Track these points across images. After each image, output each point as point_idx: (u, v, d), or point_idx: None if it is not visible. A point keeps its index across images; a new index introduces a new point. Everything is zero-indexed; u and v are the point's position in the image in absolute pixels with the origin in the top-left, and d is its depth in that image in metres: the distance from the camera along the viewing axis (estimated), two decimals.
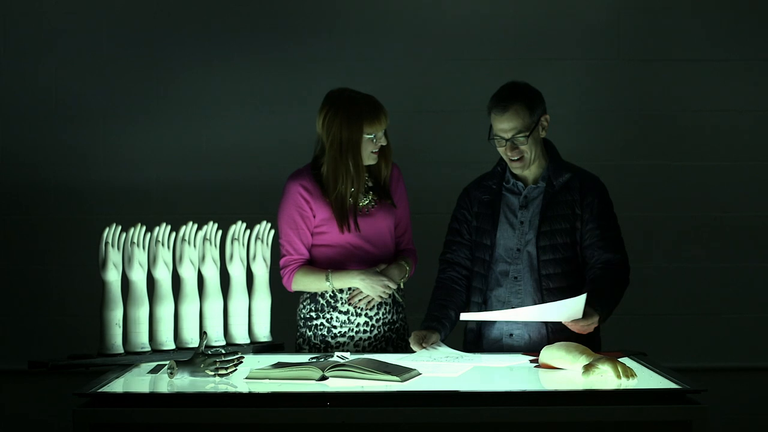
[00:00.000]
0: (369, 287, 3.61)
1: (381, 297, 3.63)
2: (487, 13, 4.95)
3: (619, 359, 3.13)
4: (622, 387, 2.93)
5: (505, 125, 3.52)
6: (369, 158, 3.63)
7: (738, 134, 4.98)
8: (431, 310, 3.63)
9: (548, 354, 3.21)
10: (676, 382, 2.95)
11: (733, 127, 4.97)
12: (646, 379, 3.06)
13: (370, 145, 3.60)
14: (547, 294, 3.53)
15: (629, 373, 2.98)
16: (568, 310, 3.32)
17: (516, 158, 3.54)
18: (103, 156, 4.94)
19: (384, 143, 3.63)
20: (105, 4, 4.94)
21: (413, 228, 3.85)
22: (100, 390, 2.90)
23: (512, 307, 3.54)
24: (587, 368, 3.03)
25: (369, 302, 3.67)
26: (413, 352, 3.48)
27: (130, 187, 4.91)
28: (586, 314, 3.35)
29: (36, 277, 4.93)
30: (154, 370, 3.21)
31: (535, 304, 3.53)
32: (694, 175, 4.96)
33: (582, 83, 4.96)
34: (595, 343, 3.55)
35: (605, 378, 2.99)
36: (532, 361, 3.31)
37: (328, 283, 3.64)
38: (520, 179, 3.62)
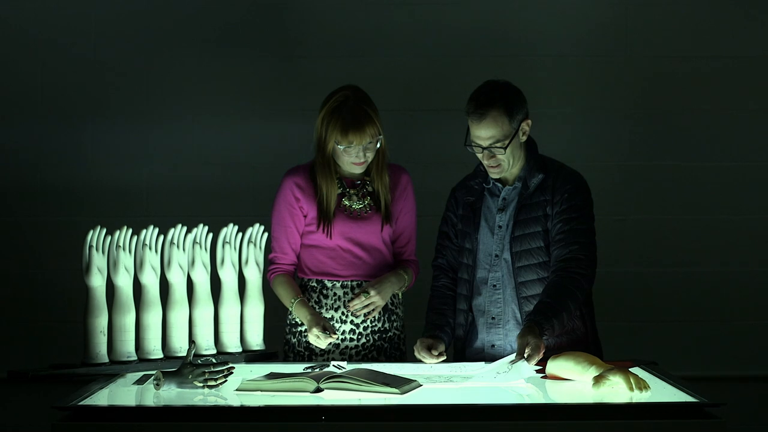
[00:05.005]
0: (308, 329, 3.51)
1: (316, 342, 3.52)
2: (488, 10, 4.90)
3: (630, 369, 3.03)
4: (635, 400, 2.84)
5: (482, 133, 3.38)
6: (347, 167, 3.56)
7: (749, 134, 4.93)
8: (431, 319, 3.55)
9: (556, 365, 3.11)
10: (692, 395, 2.87)
11: (744, 127, 4.93)
12: (659, 390, 2.97)
13: (345, 155, 3.51)
14: (524, 303, 3.43)
15: (642, 385, 2.90)
16: (517, 369, 3.15)
17: (493, 165, 3.41)
18: (90, 157, 4.89)
19: (361, 159, 3.52)
20: (94, 1, 4.89)
21: None
22: (81, 403, 2.82)
23: (492, 317, 3.47)
24: (597, 380, 2.94)
25: (369, 312, 3.58)
26: (413, 361, 3.41)
27: (118, 188, 4.86)
28: (534, 345, 3.16)
29: (18, 281, 4.86)
30: (140, 381, 3.13)
31: (515, 313, 3.45)
32: (703, 176, 4.90)
33: (586, 81, 4.90)
34: (593, 352, 3.40)
35: (616, 390, 2.90)
36: (538, 372, 3.19)
37: (291, 307, 3.60)
38: (500, 180, 3.51)
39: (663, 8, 4.90)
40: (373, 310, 3.57)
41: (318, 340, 3.47)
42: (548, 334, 3.26)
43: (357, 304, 3.55)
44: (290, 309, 3.59)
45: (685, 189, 4.90)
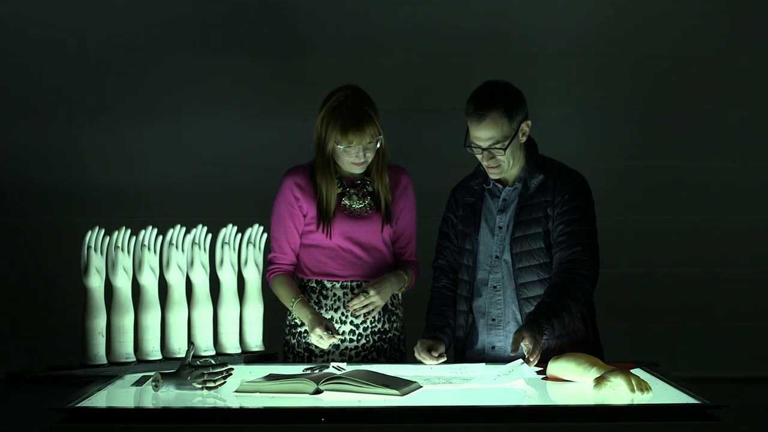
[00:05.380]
0: (308, 328, 3.50)
1: (320, 340, 3.48)
2: (488, 10, 4.88)
3: (631, 371, 3.00)
4: (636, 402, 2.81)
5: (482, 134, 3.35)
6: (347, 167, 3.54)
7: (750, 134, 4.90)
8: (431, 320, 3.53)
9: (557, 366, 3.08)
10: (694, 397, 2.84)
11: (744, 127, 4.90)
12: (660, 392, 2.95)
13: (344, 155, 3.49)
14: (525, 304, 3.40)
15: (644, 387, 2.87)
16: (518, 370, 3.13)
17: (493, 166, 3.39)
18: (89, 157, 4.88)
19: (361, 159, 3.50)
20: (94, 1, 4.88)
21: None
22: (79, 404, 2.79)
23: (492, 319, 3.45)
24: (599, 381, 2.91)
25: (369, 312, 3.55)
26: (413, 363, 3.39)
27: (117, 189, 4.85)
28: (530, 339, 3.16)
29: (16, 281, 4.85)
30: (139, 382, 3.10)
31: (515, 315, 3.42)
32: (704, 177, 4.87)
33: (586, 81, 4.88)
34: (594, 353, 3.38)
35: (618, 392, 2.87)
36: (539, 373, 3.17)
37: (291, 308, 3.56)
38: (500, 181, 3.48)
39: (663, 8, 4.88)
40: (373, 310, 3.55)
41: (321, 340, 3.44)
42: (548, 334, 3.24)
43: (356, 304, 3.53)
44: (290, 309, 3.56)
45: (686, 189, 4.88)
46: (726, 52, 4.88)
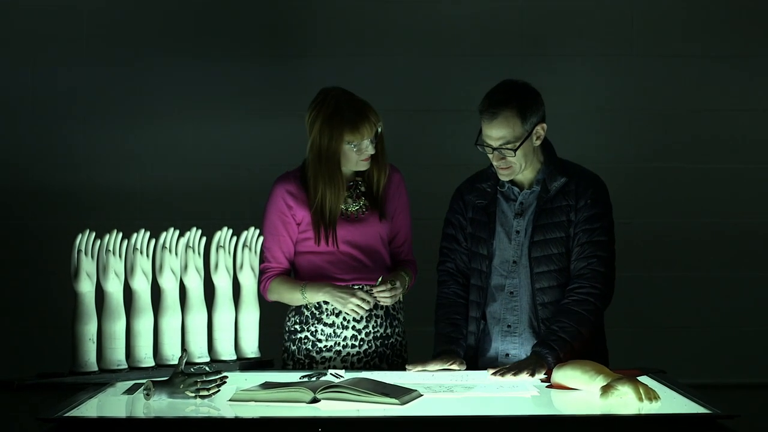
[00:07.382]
0: (338, 301, 3.45)
1: (355, 312, 3.44)
2: (489, 10, 4.87)
3: (639, 378, 2.95)
4: (644, 411, 2.75)
5: (493, 133, 3.29)
6: (356, 166, 3.50)
7: (757, 136, 4.88)
8: (446, 331, 3.42)
9: (562, 373, 3.03)
10: (704, 405, 2.78)
11: (751, 129, 4.90)
12: (669, 401, 2.88)
13: (353, 154, 3.45)
14: (542, 309, 3.34)
15: (652, 395, 2.81)
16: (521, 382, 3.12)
17: (503, 167, 3.32)
18: (83, 159, 4.88)
19: (371, 152, 3.47)
20: (88, 2, 4.88)
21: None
22: (68, 414, 2.73)
23: (508, 325, 3.39)
24: (605, 389, 2.85)
25: (394, 296, 3.50)
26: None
27: (111, 191, 4.85)
28: (538, 365, 3.16)
29: (4, 285, 4.84)
30: (130, 390, 3.05)
31: (531, 321, 3.36)
32: (710, 179, 4.86)
33: (591, 82, 4.87)
34: (600, 360, 3.31)
35: (625, 400, 2.81)
36: (543, 380, 3.11)
37: (301, 296, 3.51)
38: (516, 183, 3.40)
39: (666, 9, 4.86)
40: (395, 295, 3.48)
41: (363, 303, 3.40)
42: (553, 364, 3.18)
43: (384, 290, 3.44)
44: (302, 296, 3.47)
45: (692, 191, 4.88)
46: (729, 53, 4.85)
